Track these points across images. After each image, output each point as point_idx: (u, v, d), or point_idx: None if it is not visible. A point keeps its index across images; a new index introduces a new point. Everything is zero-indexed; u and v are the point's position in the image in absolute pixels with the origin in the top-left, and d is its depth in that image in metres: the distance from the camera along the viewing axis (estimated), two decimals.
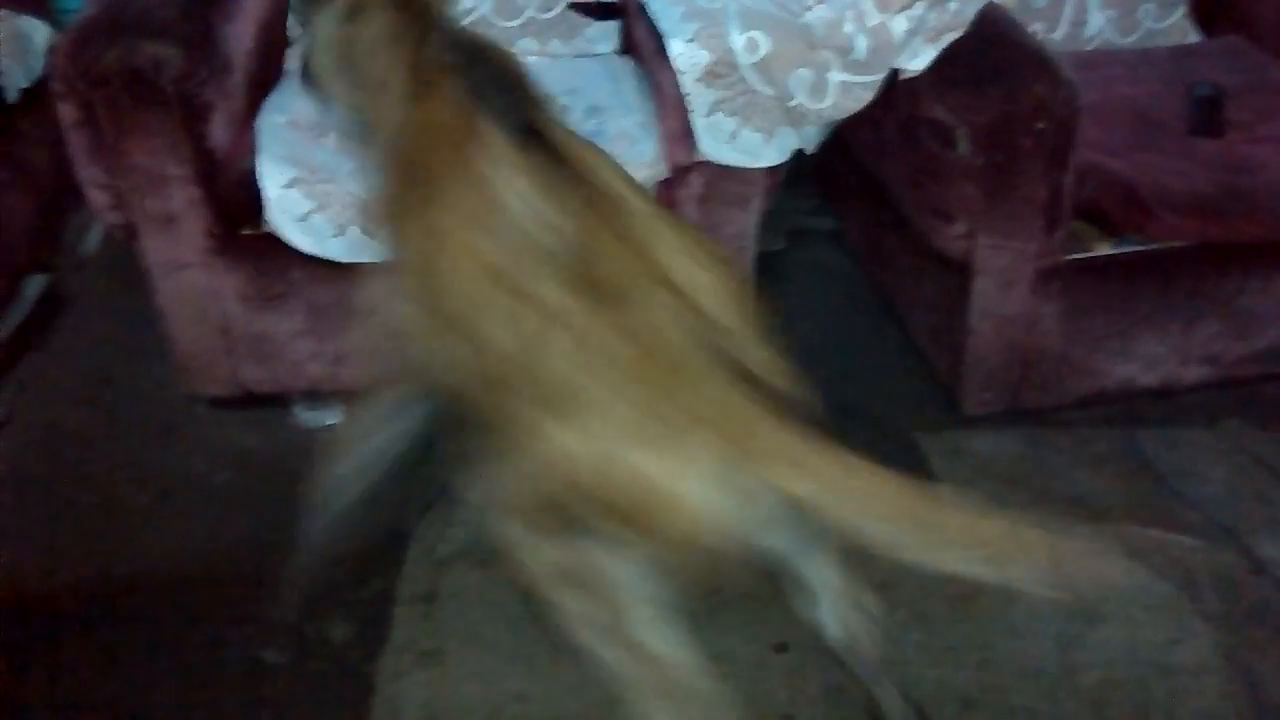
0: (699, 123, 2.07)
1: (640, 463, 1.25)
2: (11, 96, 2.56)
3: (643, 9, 2.23)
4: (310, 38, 1.76)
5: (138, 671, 1.90)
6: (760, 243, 2.32)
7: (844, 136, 2.34)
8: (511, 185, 1.37)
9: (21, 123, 2.61)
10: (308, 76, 1.78)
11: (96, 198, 2.12)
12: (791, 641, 1.94)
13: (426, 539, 2.15)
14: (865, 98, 2.10)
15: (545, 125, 1.46)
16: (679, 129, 2.12)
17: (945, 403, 2.44)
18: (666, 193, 2.17)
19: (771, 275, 2.68)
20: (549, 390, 1.29)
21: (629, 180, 1.49)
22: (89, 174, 2.09)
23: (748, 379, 1.28)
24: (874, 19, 2.03)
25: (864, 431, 2.40)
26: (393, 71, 1.57)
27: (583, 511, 1.29)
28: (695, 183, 2.17)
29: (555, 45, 2.59)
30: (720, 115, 2.07)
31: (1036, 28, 2.51)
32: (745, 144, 2.10)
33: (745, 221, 2.24)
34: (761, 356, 1.34)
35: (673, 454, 1.24)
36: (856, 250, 2.87)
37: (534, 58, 2.58)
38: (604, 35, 2.61)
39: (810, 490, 1.24)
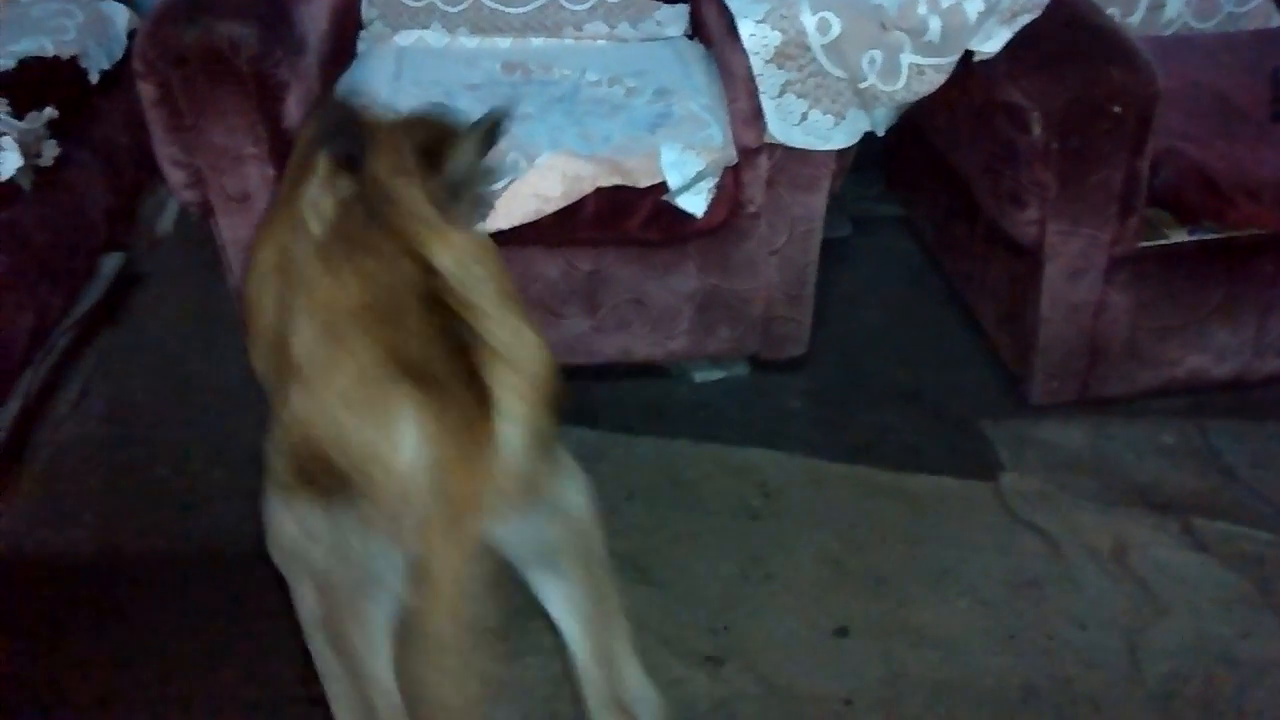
0: (768, 105, 2.07)
1: (352, 422, 1.26)
2: (93, 78, 2.62)
3: None
4: None
5: (205, 640, 1.94)
6: (827, 228, 2.32)
7: (914, 120, 2.31)
8: (314, 197, 1.48)
9: (102, 104, 2.67)
10: None
11: (174, 176, 2.16)
12: (852, 626, 1.94)
13: None
14: (938, 80, 2.08)
15: (370, 158, 1.52)
16: (748, 111, 2.11)
17: (1013, 391, 2.43)
18: (735, 176, 2.16)
19: (838, 261, 2.68)
20: (292, 357, 1.34)
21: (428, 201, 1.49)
22: (167, 152, 2.13)
23: (478, 354, 1.27)
24: (947, 0, 2.01)
25: (930, 419, 2.40)
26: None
27: (313, 474, 1.32)
28: (763, 165, 2.16)
29: (624, 28, 2.59)
30: (790, 97, 2.07)
31: (1113, 11, 2.47)
32: (815, 126, 2.10)
33: (813, 205, 2.23)
34: (507, 339, 1.31)
35: (383, 415, 1.25)
36: (924, 236, 2.85)
37: (603, 41, 2.59)
38: (673, 18, 2.60)
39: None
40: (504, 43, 2.58)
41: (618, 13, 2.59)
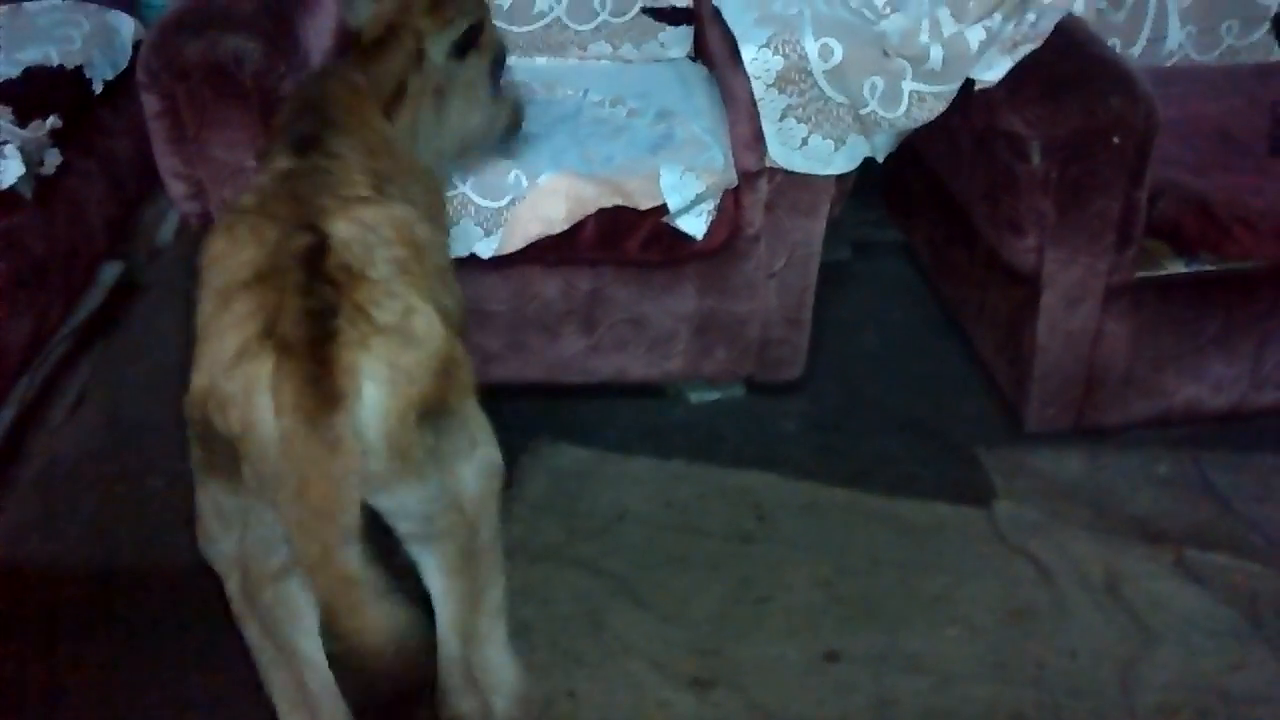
0: (769, 129, 2.08)
1: (228, 390, 1.28)
2: (97, 88, 2.62)
3: (716, 14, 2.24)
4: None
5: (196, 647, 1.93)
6: (826, 252, 2.32)
7: (914, 147, 2.32)
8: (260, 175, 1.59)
9: (105, 114, 2.67)
10: None
11: (175, 187, 2.16)
12: (842, 651, 1.94)
13: None
14: (939, 108, 2.09)
15: (320, 135, 1.61)
16: (749, 135, 2.12)
17: (1008, 419, 2.43)
18: (735, 199, 2.16)
19: (836, 285, 2.68)
20: (200, 332, 1.37)
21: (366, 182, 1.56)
22: (168, 164, 2.13)
23: (352, 328, 1.28)
24: (950, 28, 2.02)
25: (925, 445, 2.40)
26: None
27: (215, 453, 1.34)
28: (763, 189, 2.17)
29: (628, 49, 2.60)
30: (791, 121, 2.07)
31: (1114, 42, 2.48)
32: (815, 151, 2.10)
33: (812, 229, 2.23)
34: (392, 317, 1.33)
35: (250, 384, 1.27)
36: (922, 262, 2.86)
37: (606, 61, 2.60)
38: (677, 40, 2.61)
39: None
40: (509, 61, 2.58)
41: (621, 34, 2.60)
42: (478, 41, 1.91)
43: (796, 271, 2.28)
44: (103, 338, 2.65)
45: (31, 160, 2.33)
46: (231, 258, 1.37)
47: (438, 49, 1.83)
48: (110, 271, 2.71)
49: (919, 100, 2.06)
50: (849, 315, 2.77)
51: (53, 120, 2.41)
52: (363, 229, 1.40)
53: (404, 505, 1.39)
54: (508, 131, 2.10)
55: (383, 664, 1.28)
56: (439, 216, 1.79)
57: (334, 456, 1.23)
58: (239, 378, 1.26)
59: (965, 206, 2.35)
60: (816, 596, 2.05)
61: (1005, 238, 2.17)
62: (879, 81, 2.05)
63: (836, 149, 2.11)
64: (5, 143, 2.25)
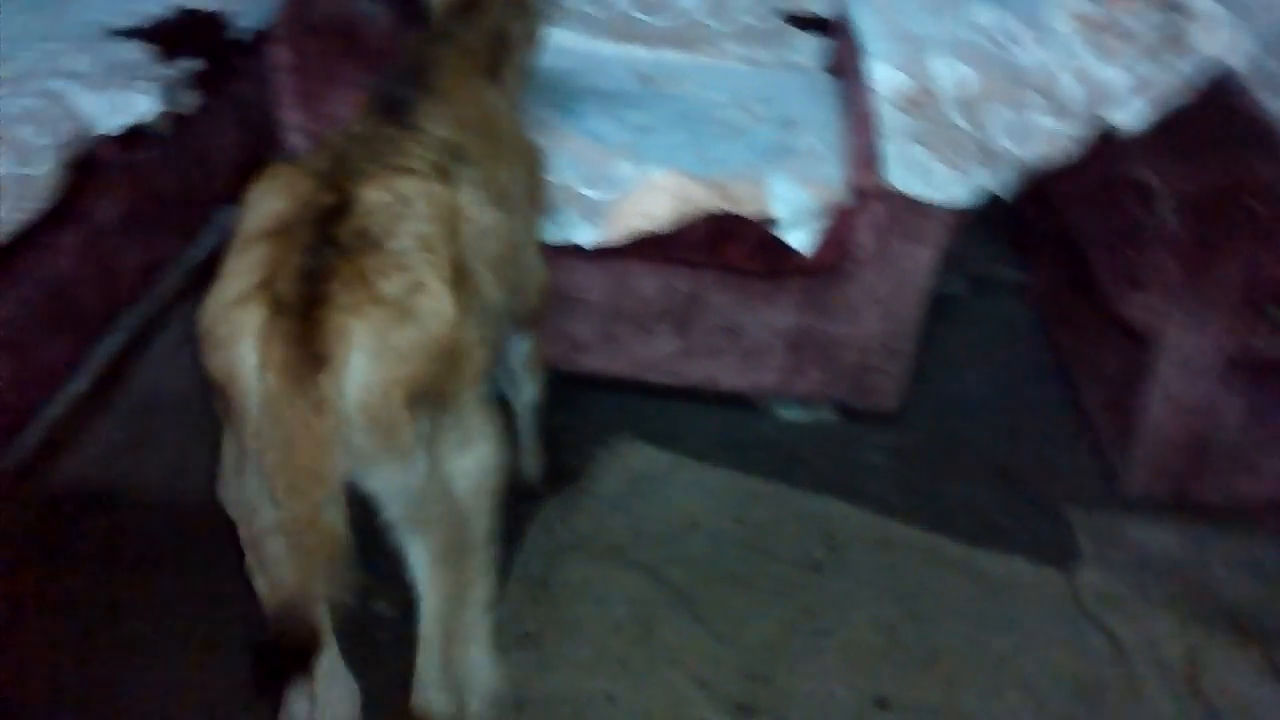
0: (889, 149, 2.02)
1: (222, 335, 1.27)
2: (244, 37, 2.68)
3: (851, 28, 2.18)
4: None
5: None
6: (939, 284, 2.25)
7: (1042, 185, 2.23)
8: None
9: (248, 63, 2.73)
10: None
11: (294, 140, 2.20)
12: (894, 699, 1.87)
13: (548, 522, 2.15)
14: (1069, 147, 2.00)
15: (408, 103, 1.59)
16: (868, 154, 2.06)
17: (1105, 481, 2.32)
18: (846, 218, 2.10)
19: (946, 319, 2.60)
20: (218, 273, 1.35)
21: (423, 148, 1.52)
22: (290, 117, 2.17)
23: (348, 293, 1.26)
24: (1091, 67, 1.92)
25: (1014, 496, 2.30)
26: None
27: (218, 396, 1.32)
28: (876, 211, 2.10)
29: (761, 53, 2.56)
30: (913, 145, 2.01)
31: (1264, 96, 2.34)
32: (935, 178, 2.03)
33: (923, 258, 2.16)
34: (399, 290, 1.30)
35: (238, 333, 1.25)
36: (1040, 306, 2.75)
37: (738, 64, 2.56)
38: (812, 50, 2.57)
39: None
40: (640, 53, 2.57)
41: (757, 37, 2.56)
42: None
43: (902, 299, 2.21)
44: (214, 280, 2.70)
45: (169, 99, 2.40)
46: (262, 205, 1.37)
47: None
48: (229, 216, 2.75)
49: (1049, 137, 1.97)
50: (955, 352, 2.68)
51: (192, 62, 2.48)
52: (394, 199, 1.38)
53: (389, 486, 1.37)
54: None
55: (303, 630, 1.29)
56: (524, 202, 1.76)
57: (318, 417, 1.22)
58: (228, 324, 1.26)
59: (1086, 253, 2.25)
60: (877, 638, 1.99)
61: (1124, 291, 2.07)
62: (1009, 114, 1.97)
63: (957, 178, 2.03)
64: (145, 79, 2.32)
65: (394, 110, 1.55)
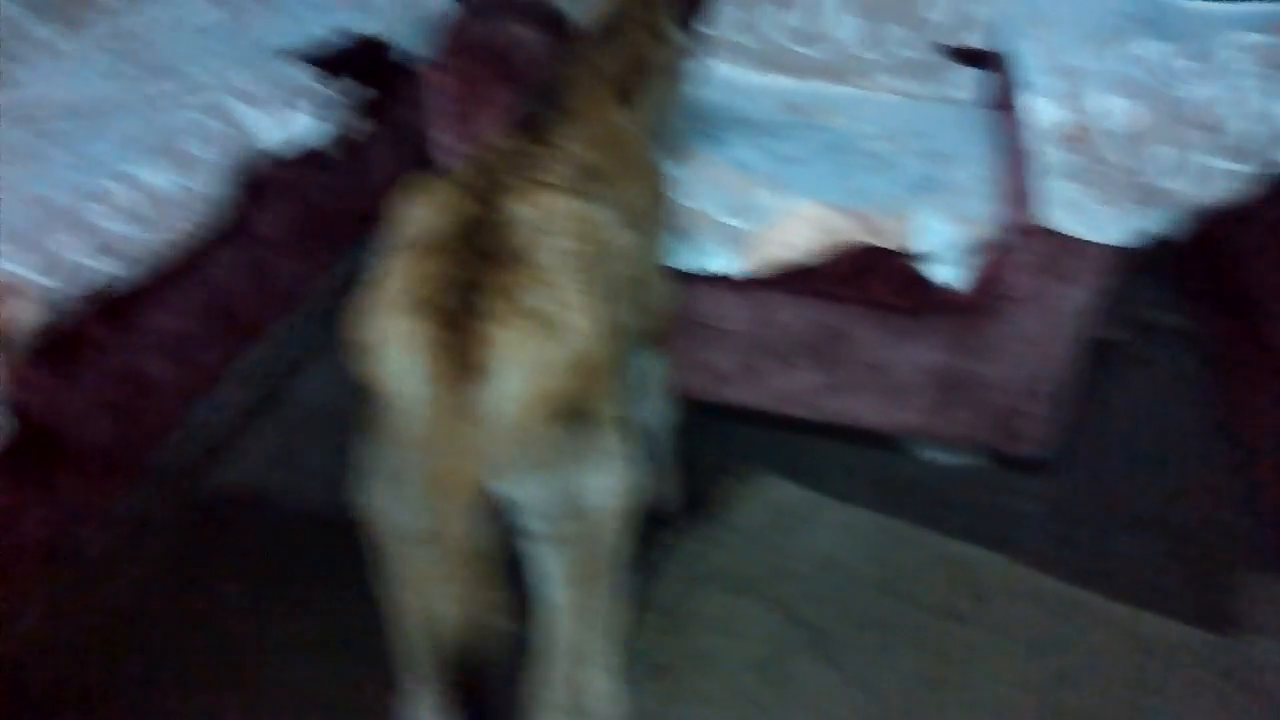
0: (1045, 186, 1.93)
1: (378, 341, 1.30)
2: (404, 60, 2.76)
3: (1007, 60, 2.11)
4: None
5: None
6: (1101, 329, 2.14)
7: (1214, 228, 2.10)
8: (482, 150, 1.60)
9: (404, 85, 2.80)
10: None
11: (442, 160, 2.24)
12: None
13: (685, 554, 2.13)
14: (1236, 188, 1.87)
15: (547, 121, 1.61)
16: (1021, 189, 1.98)
17: (1275, 547, 2.15)
18: (997, 255, 2.02)
19: (1106, 365, 2.49)
20: (371, 281, 1.38)
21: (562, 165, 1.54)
22: (439, 138, 2.22)
23: (496, 307, 1.27)
24: (1261, 104, 1.80)
25: (1176, 556, 2.18)
26: None
27: (370, 403, 1.35)
28: (1029, 249, 2.01)
29: (915, 86, 2.50)
30: (1068, 181, 1.91)
31: None
32: (1091, 216, 1.93)
33: (1078, 300, 2.05)
34: (547, 305, 1.30)
35: (398, 341, 1.28)
36: (1207, 355, 2.59)
37: (890, 95, 2.51)
38: (969, 82, 2.49)
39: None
40: (789, 83, 2.54)
41: (912, 69, 2.50)
42: (695, 10, 1.92)
43: (1056, 342, 2.10)
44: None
45: (330, 118, 2.48)
46: (416, 218, 1.41)
47: (669, 22, 1.83)
48: (382, 233, 2.82)
49: (1217, 177, 1.85)
50: (1115, 400, 2.55)
51: (354, 84, 2.57)
52: (541, 215, 1.40)
53: (529, 498, 1.39)
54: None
55: (466, 640, 1.30)
56: (651, 223, 1.76)
57: (471, 427, 1.24)
58: (385, 333, 1.29)
59: (1259, 302, 2.11)
60: (1018, 695, 1.89)
61: None
62: (1174, 152, 1.86)
63: (1116, 218, 1.93)
64: (309, 99, 2.41)
65: (533, 128, 1.58)
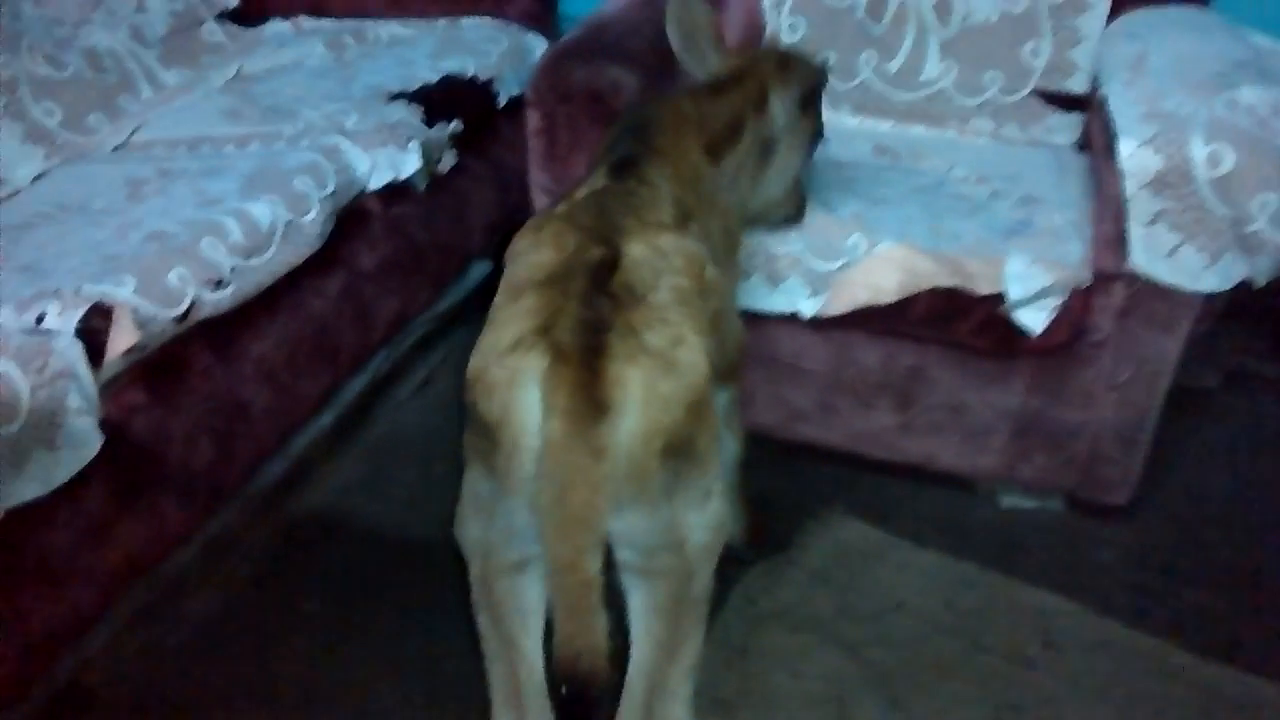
0: (1136, 231, 1.92)
1: (497, 377, 1.33)
2: (501, 101, 2.85)
3: (1103, 104, 2.10)
4: None
5: (465, 628, 2.02)
6: (1187, 375, 2.11)
7: None
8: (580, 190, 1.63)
9: (505, 126, 2.89)
10: None
11: (541, 201, 2.30)
12: None
13: (752, 590, 2.14)
14: None
15: (641, 160, 1.65)
16: (1113, 234, 1.97)
17: None
18: (1084, 299, 2.02)
19: (1194, 413, 2.45)
20: (489, 318, 1.44)
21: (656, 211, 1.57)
22: (539, 179, 2.28)
23: (621, 344, 1.31)
24: None
25: (1258, 610, 2.13)
26: None
27: (477, 435, 1.39)
28: (1118, 294, 2.00)
29: (1010, 130, 2.50)
30: (1162, 227, 1.90)
31: None
32: (1184, 263, 1.92)
33: (1166, 347, 2.03)
34: (662, 342, 1.35)
35: (518, 376, 1.30)
36: None
37: (984, 139, 2.51)
38: (1064, 126, 2.48)
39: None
40: (882, 126, 2.56)
41: (1008, 113, 2.50)
42: (813, 107, 1.92)
43: (1142, 388, 2.08)
44: (461, 327, 2.85)
45: (430, 158, 2.57)
46: (531, 256, 1.45)
47: (780, 102, 1.85)
48: (479, 269, 2.92)
49: None
50: (1200, 448, 2.50)
51: (455, 124, 2.65)
52: (655, 254, 1.43)
53: (631, 531, 1.39)
54: (788, 219, 2.09)
55: (582, 673, 1.30)
56: (730, 261, 1.80)
57: (596, 464, 1.27)
58: (508, 367, 1.32)
59: None
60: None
61: None
62: (1272, 198, 1.84)
63: (1209, 264, 1.91)
64: (411, 139, 2.49)
65: (625, 168, 1.61)
